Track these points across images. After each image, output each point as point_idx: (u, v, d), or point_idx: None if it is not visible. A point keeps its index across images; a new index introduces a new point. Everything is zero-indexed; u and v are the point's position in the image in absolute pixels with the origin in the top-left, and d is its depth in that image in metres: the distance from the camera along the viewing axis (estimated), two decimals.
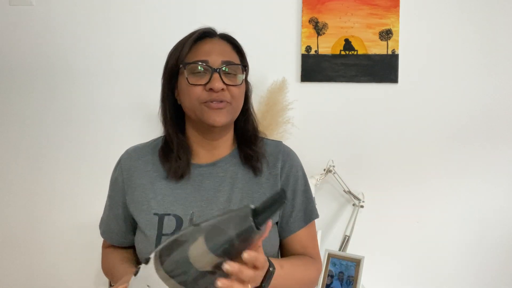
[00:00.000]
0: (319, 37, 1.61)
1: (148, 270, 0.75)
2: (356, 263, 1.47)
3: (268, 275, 0.80)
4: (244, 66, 0.98)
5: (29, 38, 1.68)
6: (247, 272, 0.70)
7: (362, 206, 1.57)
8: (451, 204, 1.61)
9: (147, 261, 0.76)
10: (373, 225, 1.62)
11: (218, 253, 0.70)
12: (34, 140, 1.68)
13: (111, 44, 1.66)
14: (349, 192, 1.58)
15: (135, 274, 0.78)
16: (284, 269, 0.88)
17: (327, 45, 1.60)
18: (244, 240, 0.70)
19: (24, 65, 1.68)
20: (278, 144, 1.06)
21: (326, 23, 1.60)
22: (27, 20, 1.67)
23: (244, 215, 0.70)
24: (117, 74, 1.66)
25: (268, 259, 0.82)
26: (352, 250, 1.55)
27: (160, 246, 0.75)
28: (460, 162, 1.60)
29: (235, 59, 0.97)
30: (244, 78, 0.96)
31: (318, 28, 1.60)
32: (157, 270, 0.73)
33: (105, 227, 1.06)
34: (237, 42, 1.00)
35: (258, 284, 0.78)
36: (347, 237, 1.56)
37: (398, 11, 1.58)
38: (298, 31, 1.62)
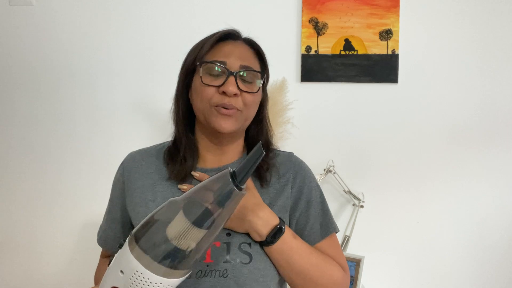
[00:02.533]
0: (319, 37, 1.61)
1: (122, 254, 0.70)
2: (356, 263, 1.47)
3: (276, 231, 0.82)
4: (263, 74, 0.93)
5: (29, 38, 1.68)
6: None
7: (362, 206, 1.58)
8: (451, 204, 1.61)
9: (121, 246, 0.71)
10: (373, 225, 1.62)
11: (201, 225, 0.65)
12: (34, 140, 1.68)
13: (112, 44, 1.66)
14: (349, 192, 1.58)
15: (109, 264, 0.73)
16: (297, 241, 0.87)
17: (327, 45, 1.60)
18: (227, 205, 0.66)
19: (24, 65, 1.68)
20: (290, 155, 1.02)
21: (326, 23, 1.60)
22: (27, 20, 1.67)
23: (223, 179, 0.66)
24: (118, 74, 1.66)
25: (280, 218, 0.86)
26: (352, 250, 1.55)
27: (135, 228, 0.71)
28: (460, 162, 1.60)
29: (255, 65, 0.93)
30: (260, 86, 0.92)
31: (318, 28, 1.60)
32: (131, 249, 0.67)
33: (102, 233, 1.03)
34: (260, 48, 0.96)
35: (262, 235, 0.82)
36: (347, 237, 1.56)
37: (398, 11, 1.58)
38: (298, 31, 1.62)
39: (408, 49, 1.60)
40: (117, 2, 1.66)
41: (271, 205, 0.92)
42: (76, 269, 1.68)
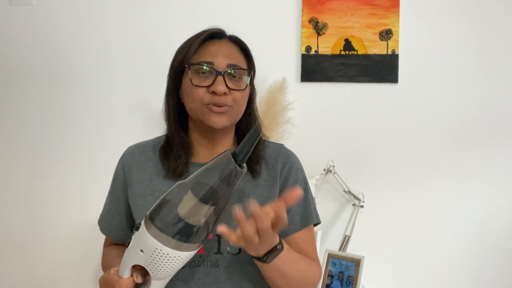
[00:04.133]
0: (319, 37, 1.61)
1: (140, 235, 0.77)
2: (356, 263, 1.47)
3: (274, 251, 0.80)
4: (250, 70, 0.97)
5: (29, 38, 1.67)
6: (249, 228, 0.72)
7: (362, 206, 1.57)
8: (451, 204, 1.61)
9: (137, 228, 0.78)
10: (373, 225, 1.61)
11: (209, 201, 0.73)
12: (34, 140, 1.68)
13: (111, 44, 1.66)
14: (349, 192, 1.58)
15: (127, 246, 0.80)
16: (291, 253, 0.87)
17: (327, 45, 1.60)
18: (231, 182, 0.74)
19: (24, 65, 1.68)
20: (279, 146, 1.05)
21: (326, 23, 1.60)
22: (27, 20, 1.67)
23: (225, 159, 0.74)
24: (117, 74, 1.66)
25: (280, 238, 0.82)
26: (352, 250, 1.55)
27: (149, 210, 0.77)
28: (460, 162, 1.60)
29: (242, 62, 0.96)
30: (248, 82, 0.95)
31: (318, 28, 1.60)
32: (148, 229, 0.75)
33: (105, 223, 1.06)
34: (245, 45, 1.00)
35: (259, 253, 0.79)
36: (347, 237, 1.56)
37: (398, 11, 1.58)
38: (298, 31, 1.62)
39: (408, 49, 1.60)
40: (116, 2, 1.66)
41: (262, 197, 0.96)
42: (75, 269, 1.68)
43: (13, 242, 1.70)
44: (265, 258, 0.79)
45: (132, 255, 0.78)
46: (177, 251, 0.75)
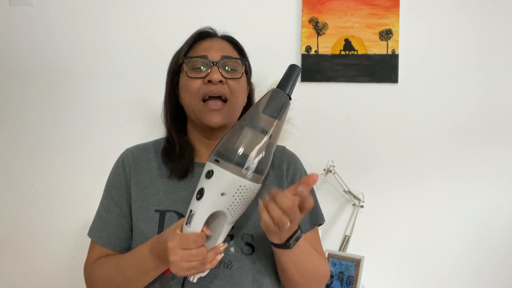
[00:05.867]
0: (319, 37, 1.61)
1: (216, 179, 0.76)
2: (356, 263, 1.47)
3: (295, 235, 0.81)
4: (244, 62, 0.97)
5: (29, 38, 1.67)
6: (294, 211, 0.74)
7: (362, 206, 1.57)
8: (451, 204, 1.61)
9: (210, 175, 0.77)
10: (373, 225, 1.61)
11: (266, 133, 0.79)
12: (34, 140, 1.68)
13: (111, 44, 1.66)
14: (349, 192, 1.58)
15: (199, 198, 0.78)
16: (306, 244, 0.90)
17: (327, 45, 1.60)
18: (281, 115, 0.82)
19: (23, 65, 1.68)
20: (283, 148, 1.06)
21: (326, 23, 1.60)
22: (27, 20, 1.67)
23: (275, 94, 0.82)
24: (117, 74, 1.66)
25: (299, 224, 0.84)
26: (352, 250, 1.55)
27: (217, 152, 0.78)
28: (460, 162, 1.60)
29: (235, 55, 0.97)
30: (243, 71, 0.96)
31: (318, 28, 1.60)
32: (227, 169, 0.75)
33: (103, 232, 0.98)
34: (237, 42, 1.01)
35: (282, 238, 0.80)
36: (347, 237, 1.56)
37: (398, 11, 1.58)
38: (298, 31, 1.62)
39: (408, 49, 1.60)
40: (116, 3, 1.66)
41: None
42: (76, 269, 1.68)
43: (14, 241, 1.70)
44: (288, 244, 0.81)
45: (210, 204, 0.77)
46: (255, 184, 0.77)
